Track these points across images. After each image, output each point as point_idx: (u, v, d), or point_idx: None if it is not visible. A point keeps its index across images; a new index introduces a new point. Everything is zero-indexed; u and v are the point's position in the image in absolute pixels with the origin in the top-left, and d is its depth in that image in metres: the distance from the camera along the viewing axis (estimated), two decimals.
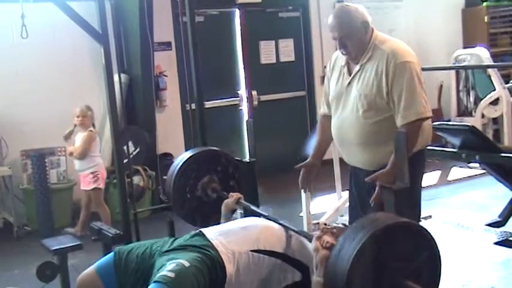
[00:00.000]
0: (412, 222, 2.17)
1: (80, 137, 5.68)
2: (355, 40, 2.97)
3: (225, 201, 3.17)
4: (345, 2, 8.15)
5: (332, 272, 2.09)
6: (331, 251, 2.21)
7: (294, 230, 2.70)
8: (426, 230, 2.14)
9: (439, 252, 2.15)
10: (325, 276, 2.24)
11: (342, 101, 3.10)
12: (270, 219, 2.82)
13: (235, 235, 2.67)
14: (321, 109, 3.37)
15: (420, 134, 2.93)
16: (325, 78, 3.30)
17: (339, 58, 3.18)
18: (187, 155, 3.42)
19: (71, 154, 5.75)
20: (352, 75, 3.03)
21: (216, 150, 3.58)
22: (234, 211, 3.23)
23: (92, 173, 5.61)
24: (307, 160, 3.29)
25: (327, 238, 2.38)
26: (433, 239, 2.14)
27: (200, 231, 2.73)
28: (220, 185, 3.39)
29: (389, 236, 2.05)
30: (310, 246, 2.46)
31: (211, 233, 2.70)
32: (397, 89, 2.87)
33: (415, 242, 2.11)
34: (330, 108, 3.25)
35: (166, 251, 2.62)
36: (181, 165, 3.35)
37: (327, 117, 3.29)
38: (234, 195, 3.16)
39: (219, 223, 3.07)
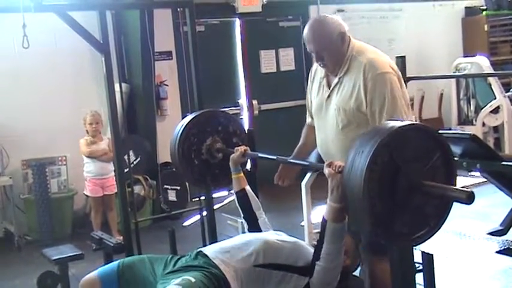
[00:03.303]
0: (417, 123, 2.17)
1: (101, 142, 5.76)
2: (332, 52, 2.86)
3: (231, 156, 3.18)
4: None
5: (348, 186, 2.09)
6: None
7: (304, 164, 2.82)
8: (433, 129, 2.13)
9: (451, 150, 2.13)
10: (342, 201, 2.26)
11: (322, 114, 3.03)
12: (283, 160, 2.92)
13: (237, 252, 2.66)
14: (307, 119, 3.33)
15: None
16: (307, 89, 3.23)
17: (318, 69, 3.08)
18: (185, 121, 3.40)
19: (105, 154, 5.70)
20: (331, 88, 2.95)
21: (212, 110, 3.58)
22: (244, 164, 3.24)
23: (114, 176, 5.60)
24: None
25: (338, 163, 2.39)
26: (443, 137, 2.14)
27: (201, 251, 2.72)
28: (223, 144, 3.38)
29: (398, 140, 2.05)
30: (325, 171, 2.44)
31: (212, 251, 2.69)
32: (377, 102, 2.77)
33: (424, 143, 2.10)
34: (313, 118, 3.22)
35: (170, 272, 2.61)
36: (182, 133, 3.32)
37: (311, 126, 3.26)
38: (239, 149, 3.17)
39: (231, 181, 3.16)
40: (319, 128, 3.10)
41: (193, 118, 3.41)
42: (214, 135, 3.39)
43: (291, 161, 3.01)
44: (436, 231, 2.14)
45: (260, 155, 3.15)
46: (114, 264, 2.82)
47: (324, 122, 3.03)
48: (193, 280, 2.44)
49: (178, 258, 2.74)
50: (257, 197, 3.27)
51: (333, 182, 2.36)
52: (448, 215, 2.15)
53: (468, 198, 1.95)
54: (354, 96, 2.83)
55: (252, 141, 3.47)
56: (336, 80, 2.92)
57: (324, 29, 2.86)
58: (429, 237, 2.13)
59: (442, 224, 2.14)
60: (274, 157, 3.02)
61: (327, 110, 2.98)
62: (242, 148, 3.17)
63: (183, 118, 7.11)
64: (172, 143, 3.39)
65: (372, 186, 2.00)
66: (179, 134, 3.34)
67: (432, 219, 2.13)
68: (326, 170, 2.42)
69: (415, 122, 2.21)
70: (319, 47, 2.86)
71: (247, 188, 3.16)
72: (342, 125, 2.90)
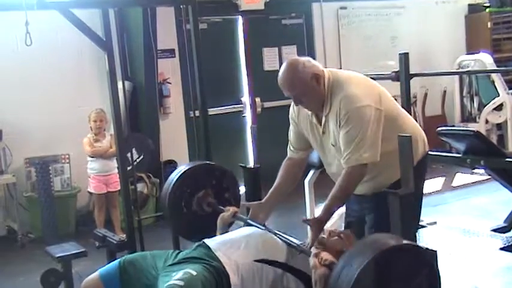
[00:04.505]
0: (410, 243, 2.22)
1: (104, 140, 5.78)
2: (310, 96, 2.83)
3: (221, 214, 3.13)
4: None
5: None
6: (329, 268, 2.25)
7: (292, 245, 2.68)
8: (424, 248, 2.19)
9: (437, 267, 2.18)
10: None
11: (324, 150, 2.99)
12: (269, 231, 2.82)
13: (238, 245, 2.67)
14: (288, 153, 3.21)
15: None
16: (291, 120, 3.14)
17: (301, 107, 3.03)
18: (181, 170, 3.43)
19: (106, 152, 5.73)
20: (322, 125, 2.92)
21: (210, 164, 3.60)
22: (230, 225, 3.18)
23: (117, 173, 5.60)
24: (257, 202, 3.16)
25: (325, 255, 2.38)
26: (432, 255, 2.19)
27: (203, 242, 2.73)
28: (215, 199, 3.37)
29: (389, 259, 2.10)
30: (310, 261, 2.44)
31: (214, 243, 2.70)
32: (347, 134, 2.74)
33: (414, 261, 2.15)
34: (296, 151, 3.15)
35: (171, 265, 2.62)
36: (176, 181, 3.35)
37: (292, 160, 3.18)
38: (230, 209, 3.13)
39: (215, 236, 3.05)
40: (322, 156, 3.07)
41: (189, 168, 3.45)
42: (208, 188, 3.39)
43: (280, 235, 2.79)
44: None
45: (249, 221, 3.03)
46: (115, 262, 2.82)
47: (328, 156, 3.00)
48: (194, 273, 2.45)
49: (180, 252, 2.75)
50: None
51: (316, 274, 2.35)
52: None
53: None
54: (340, 135, 2.80)
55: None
56: (323, 118, 2.89)
57: (296, 75, 2.81)
58: None
59: None
60: (263, 227, 2.89)
61: (327, 144, 2.96)
62: (233, 209, 3.13)
63: (186, 116, 7.14)
64: (164, 189, 3.41)
65: None
66: (173, 182, 3.36)
67: None
68: (311, 261, 2.42)
69: (408, 242, 2.21)
70: (295, 92, 2.84)
71: None
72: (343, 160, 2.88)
